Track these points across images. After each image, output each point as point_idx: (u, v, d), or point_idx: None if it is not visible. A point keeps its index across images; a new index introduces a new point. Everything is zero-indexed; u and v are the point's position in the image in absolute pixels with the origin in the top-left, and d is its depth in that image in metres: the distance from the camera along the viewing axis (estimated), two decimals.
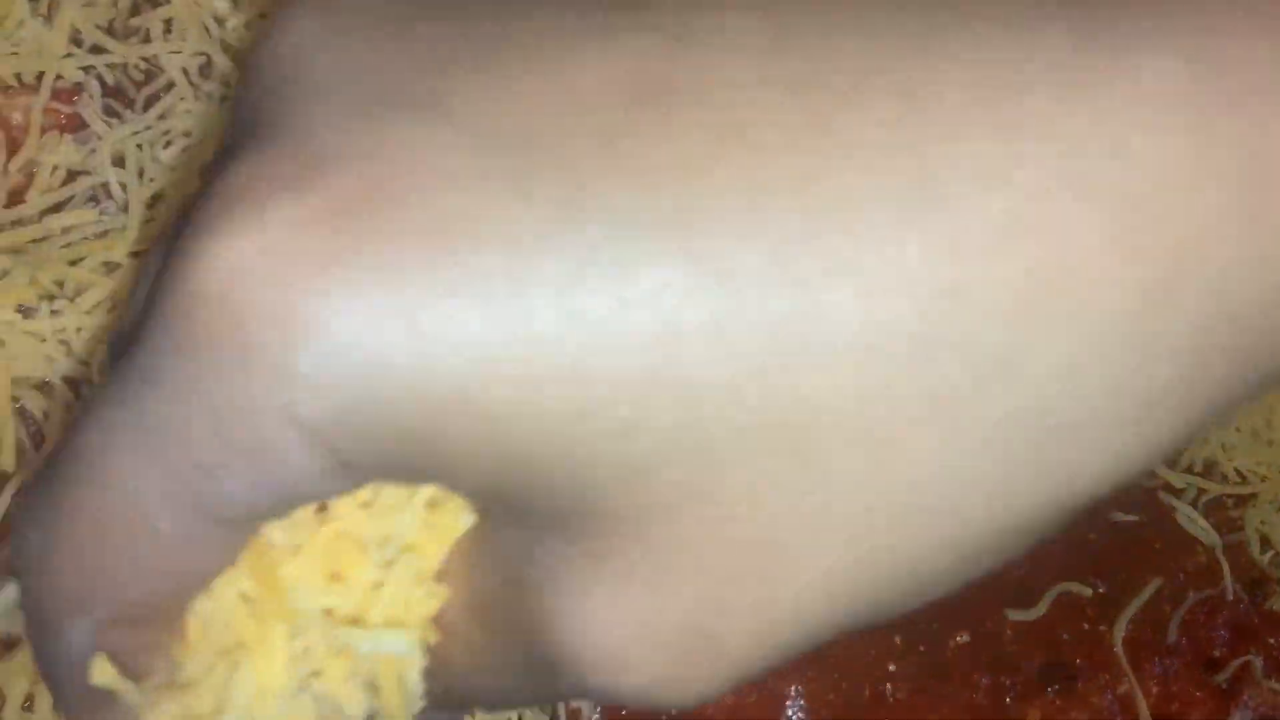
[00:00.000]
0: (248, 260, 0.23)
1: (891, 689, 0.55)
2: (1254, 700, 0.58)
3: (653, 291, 0.23)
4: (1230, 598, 0.59)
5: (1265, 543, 0.60)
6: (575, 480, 0.24)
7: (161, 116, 0.54)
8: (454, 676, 0.29)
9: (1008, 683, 0.57)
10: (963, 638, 0.57)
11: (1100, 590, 0.59)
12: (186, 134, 0.54)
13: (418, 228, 0.23)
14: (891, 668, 0.55)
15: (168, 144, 0.54)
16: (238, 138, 0.25)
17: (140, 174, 0.53)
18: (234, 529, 0.27)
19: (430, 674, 0.29)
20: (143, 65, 0.55)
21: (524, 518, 0.26)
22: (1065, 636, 0.58)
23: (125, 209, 0.52)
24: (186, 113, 0.54)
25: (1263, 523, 0.60)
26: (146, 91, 0.55)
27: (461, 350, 0.23)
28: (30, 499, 0.29)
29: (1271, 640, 0.59)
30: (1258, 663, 0.58)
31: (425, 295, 0.23)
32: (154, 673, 0.29)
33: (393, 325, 0.23)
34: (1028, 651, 0.58)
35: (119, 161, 0.53)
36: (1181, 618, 0.58)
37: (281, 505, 0.26)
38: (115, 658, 0.29)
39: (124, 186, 0.53)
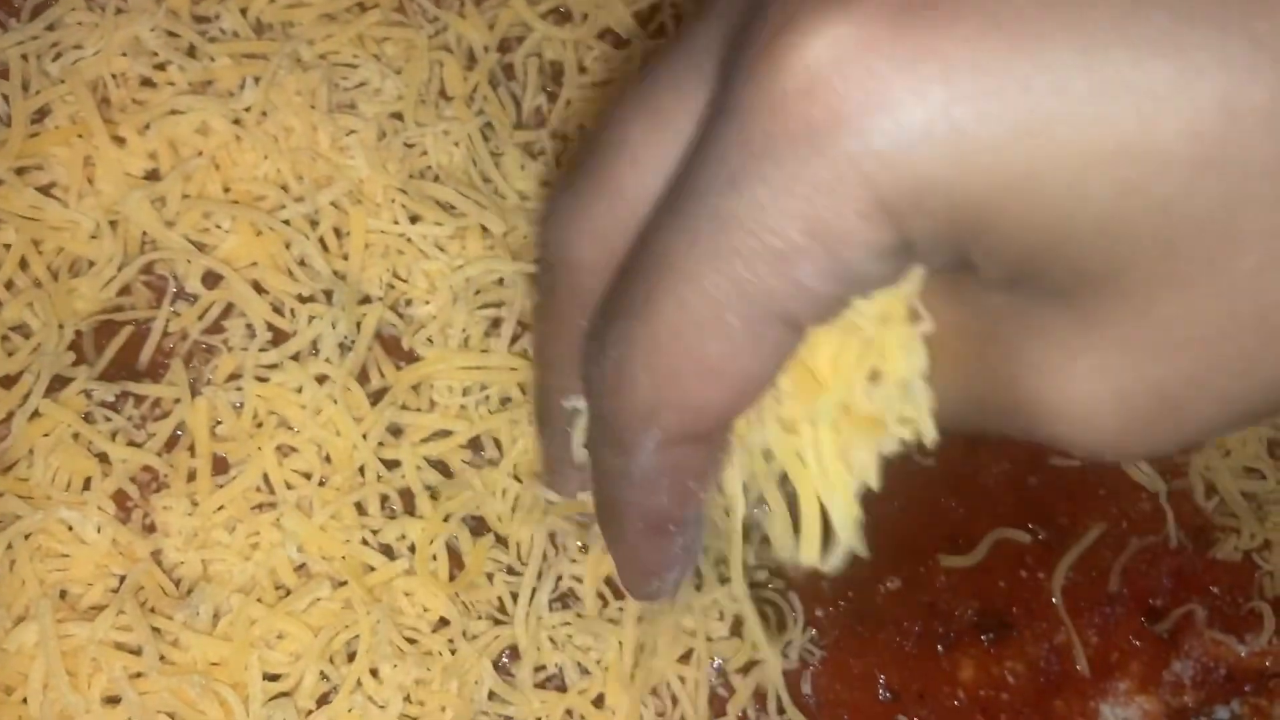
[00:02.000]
0: (843, 50, 0.25)
1: (816, 634, 0.52)
2: (1195, 651, 0.55)
3: (1213, 72, 0.24)
4: (1174, 545, 0.56)
5: (1210, 489, 0.57)
6: (1106, 253, 0.26)
7: (50, 27, 0.51)
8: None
9: (940, 631, 0.54)
10: (893, 583, 0.54)
11: (1040, 537, 0.56)
12: (77, 46, 0.50)
13: (997, 24, 0.24)
14: (818, 613, 0.53)
15: (56, 56, 0.50)
16: None
17: (25, 87, 0.49)
18: (792, 331, 0.29)
19: None
20: None
21: (1024, 284, 0.28)
22: (1002, 584, 0.55)
23: (8, 123, 0.49)
24: (78, 24, 0.51)
25: (1207, 468, 0.57)
26: (34, 0, 0.51)
27: (1028, 132, 0.24)
28: (605, 314, 0.32)
29: (1215, 589, 0.56)
30: (1200, 612, 0.55)
31: (1003, 83, 0.24)
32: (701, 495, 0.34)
33: (967, 109, 0.25)
34: (962, 599, 0.55)
35: (3, 73, 0.50)
36: (1123, 566, 0.55)
37: (843, 295, 0.29)
38: (673, 478, 0.33)
39: (7, 99, 0.49)
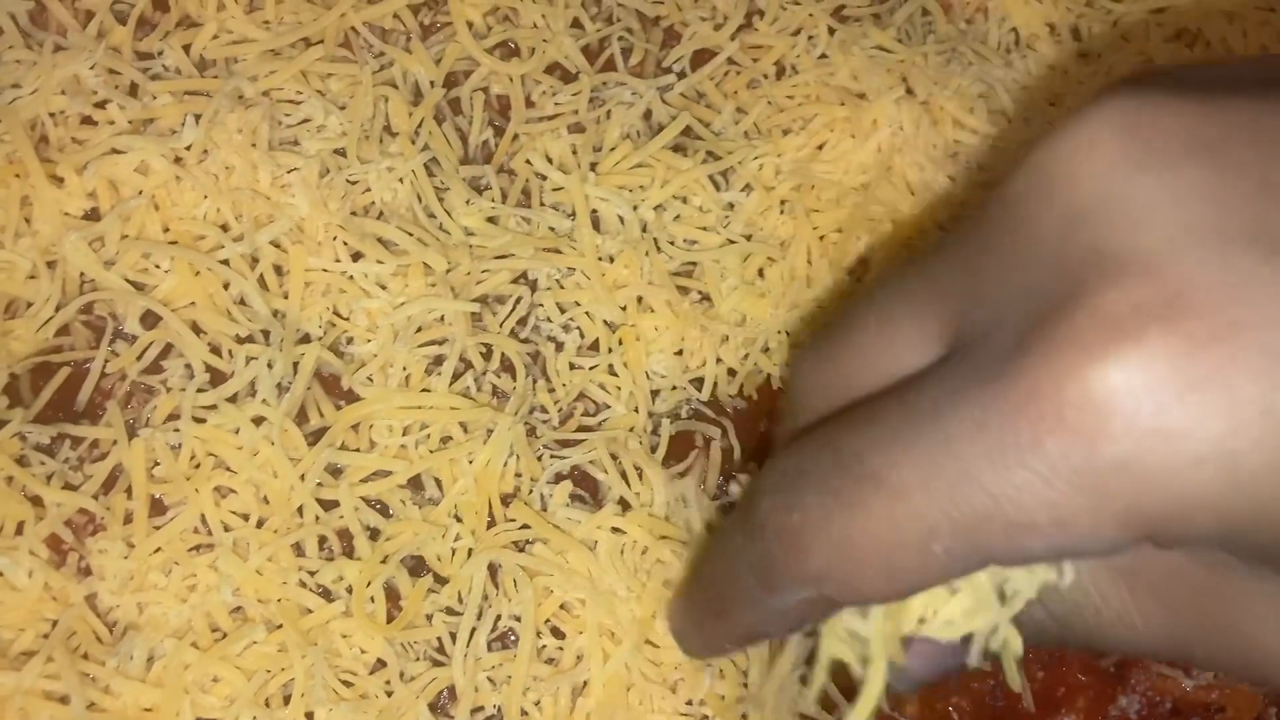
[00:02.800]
0: (1131, 380, 0.26)
1: None
2: (1141, 685, 0.55)
3: None
4: None
5: None
6: None
7: None
8: (1096, 622, 0.35)
9: None
10: None
11: None
12: (15, 85, 0.50)
13: (1265, 362, 0.26)
14: None
15: None
16: (1021, 246, 0.29)
17: None
18: (984, 566, 0.31)
19: (1077, 614, 0.35)
20: None
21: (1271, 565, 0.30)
22: None
23: None
24: (15, 63, 0.50)
25: None
26: None
27: None
28: (803, 464, 0.33)
29: None
30: None
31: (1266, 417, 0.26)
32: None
33: (1244, 440, 0.26)
34: None
35: None
36: None
37: (1052, 560, 0.31)
38: (796, 622, 0.36)
39: None
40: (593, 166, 0.55)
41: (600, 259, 0.53)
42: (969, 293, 0.32)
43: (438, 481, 0.50)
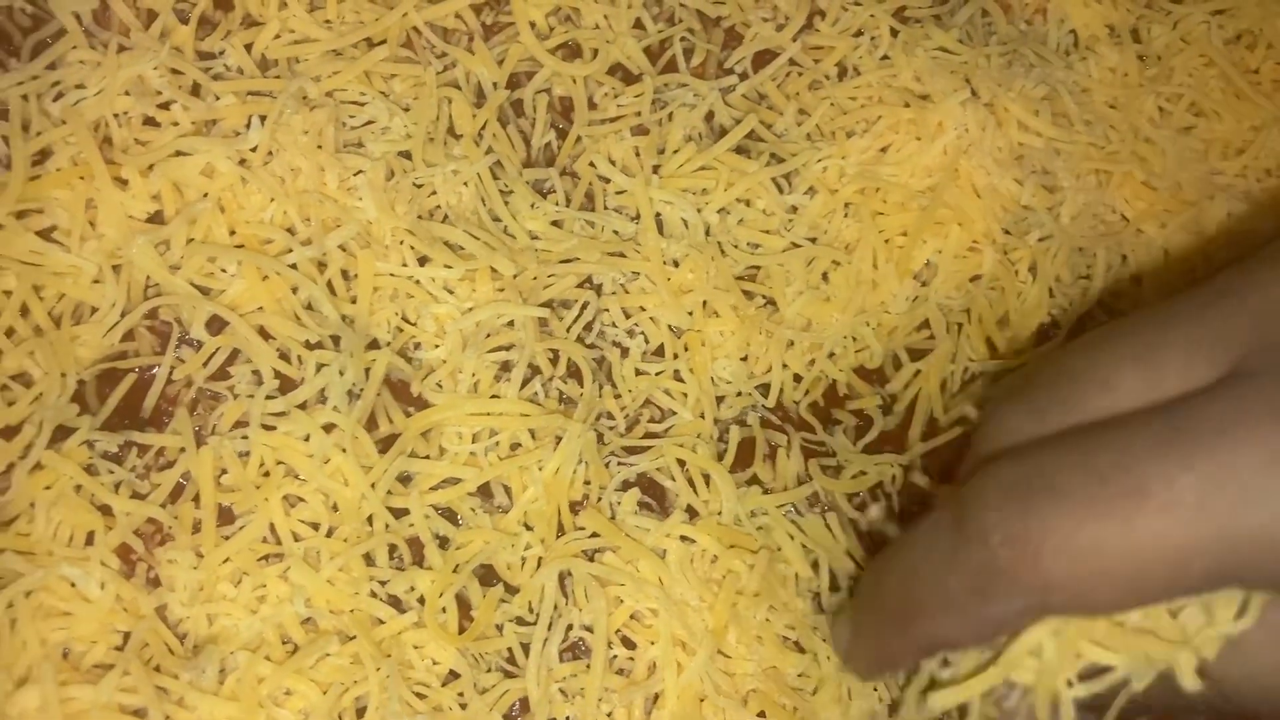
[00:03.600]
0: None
1: None
2: None
3: None
4: None
5: None
6: None
7: (50, 66, 0.49)
8: (1248, 687, 0.36)
9: None
10: None
11: None
12: (79, 86, 0.49)
13: None
14: None
15: (57, 96, 0.48)
16: None
17: (25, 127, 0.47)
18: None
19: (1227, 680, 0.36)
20: (29, 10, 0.50)
21: None
22: None
23: (8, 165, 0.47)
24: (79, 63, 0.49)
25: None
26: (34, 38, 0.49)
27: None
28: (1036, 489, 0.35)
29: None
30: None
31: None
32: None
33: None
34: None
35: (2, 114, 0.48)
36: None
37: None
38: (997, 632, 0.37)
39: (6, 141, 0.47)
40: (655, 169, 0.54)
41: (665, 263, 0.52)
42: (1262, 329, 0.33)
43: (507, 489, 0.49)
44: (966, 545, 0.36)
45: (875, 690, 0.49)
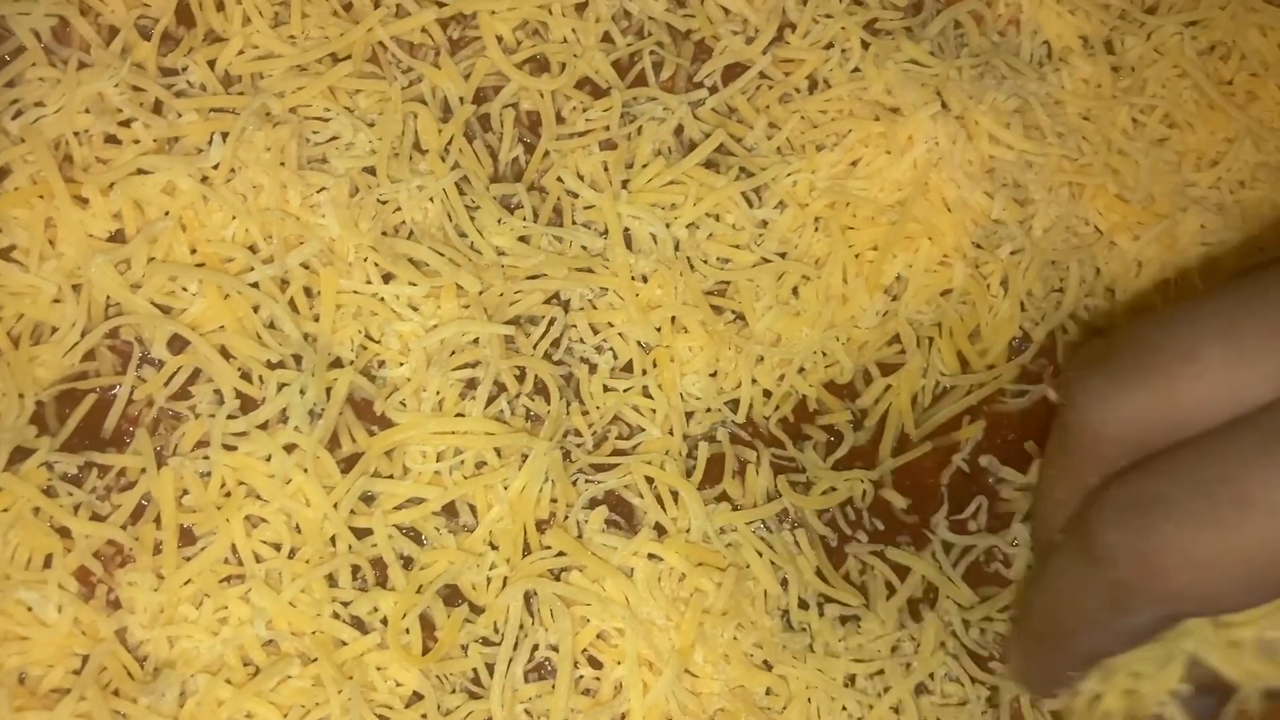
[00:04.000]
0: None
1: None
2: None
3: None
4: None
5: None
6: None
7: (9, 84, 0.48)
8: None
9: None
10: None
11: None
12: (38, 104, 0.48)
13: None
14: None
15: (16, 114, 0.48)
16: None
17: None
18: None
19: None
20: None
21: None
22: None
23: None
24: (39, 80, 0.48)
25: None
26: None
27: None
28: (1143, 499, 0.37)
29: None
30: None
31: None
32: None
33: None
34: None
35: None
36: None
37: None
38: (1142, 639, 0.41)
39: None
40: (624, 184, 0.53)
41: (633, 278, 0.52)
42: None
43: (472, 508, 0.48)
44: (1096, 568, 0.38)
45: (845, 709, 0.49)
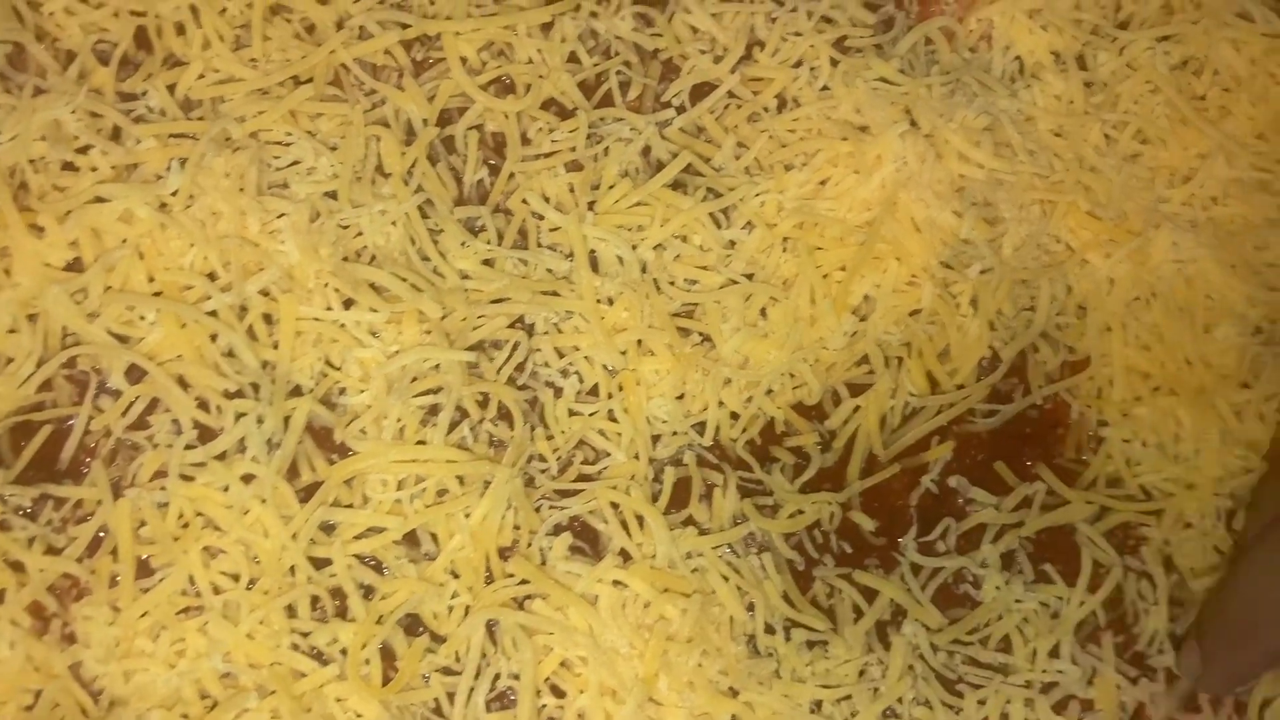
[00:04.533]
0: None
1: None
2: None
3: None
4: None
5: (1169, 565, 0.55)
6: None
7: None
8: None
9: None
10: None
11: None
12: None
13: None
14: None
15: None
16: None
17: None
18: None
19: None
20: None
21: None
22: None
23: None
24: None
25: (1166, 543, 0.55)
26: None
27: None
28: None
29: None
30: None
31: None
32: None
33: None
34: None
35: None
36: None
37: None
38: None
39: None
40: (591, 205, 0.53)
41: (599, 301, 0.51)
42: None
43: (434, 537, 0.47)
44: None
45: None
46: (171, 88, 0.50)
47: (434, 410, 0.48)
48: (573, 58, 0.55)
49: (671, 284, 0.53)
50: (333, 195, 0.50)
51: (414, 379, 0.48)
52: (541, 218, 0.52)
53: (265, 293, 0.48)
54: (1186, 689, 0.49)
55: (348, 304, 0.49)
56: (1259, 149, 0.59)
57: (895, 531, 0.52)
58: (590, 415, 0.51)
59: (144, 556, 0.45)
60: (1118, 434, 0.53)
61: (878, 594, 0.51)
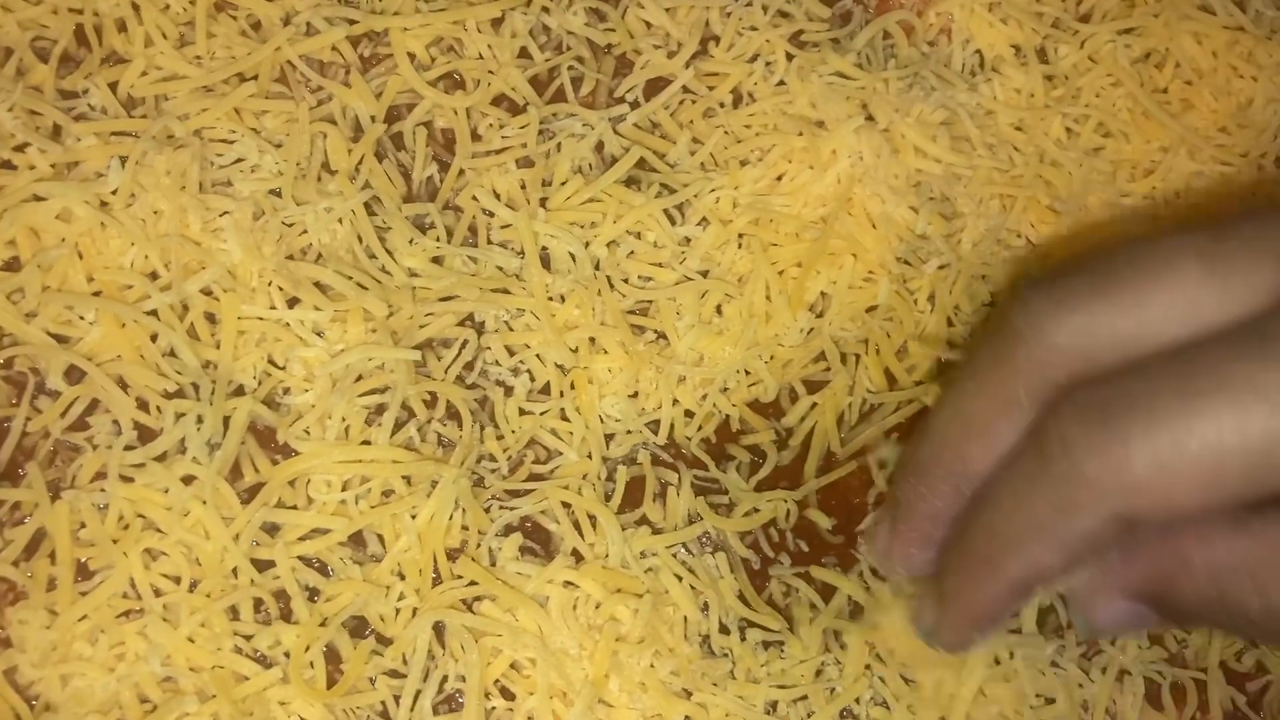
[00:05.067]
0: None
1: None
2: None
3: None
4: None
5: None
6: None
7: None
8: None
9: None
10: None
11: None
12: None
13: None
14: None
15: None
16: None
17: None
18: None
19: None
20: None
21: None
22: None
23: None
24: None
25: None
26: None
27: None
28: (1119, 408, 0.36)
29: None
30: None
31: None
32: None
33: None
34: None
35: None
36: None
37: None
38: (1088, 549, 0.38)
39: None
40: (542, 202, 0.52)
41: (550, 299, 0.50)
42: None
43: (380, 538, 0.47)
44: (1050, 464, 0.37)
45: None
46: (114, 85, 0.49)
47: (380, 410, 0.48)
48: (524, 53, 0.54)
49: (625, 281, 0.52)
50: (277, 193, 0.49)
51: (359, 378, 0.47)
52: (492, 215, 0.52)
53: (207, 292, 0.47)
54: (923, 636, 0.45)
55: (292, 303, 0.48)
56: (1221, 142, 0.58)
57: (852, 529, 0.52)
58: (542, 414, 0.50)
59: (83, 559, 0.44)
60: None
61: (835, 592, 0.50)
